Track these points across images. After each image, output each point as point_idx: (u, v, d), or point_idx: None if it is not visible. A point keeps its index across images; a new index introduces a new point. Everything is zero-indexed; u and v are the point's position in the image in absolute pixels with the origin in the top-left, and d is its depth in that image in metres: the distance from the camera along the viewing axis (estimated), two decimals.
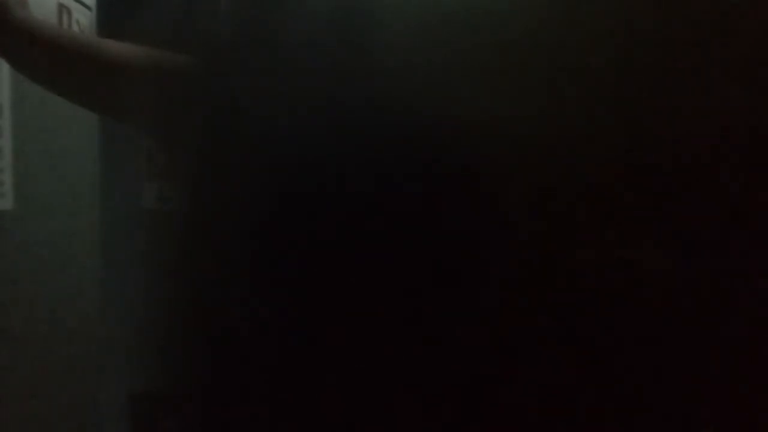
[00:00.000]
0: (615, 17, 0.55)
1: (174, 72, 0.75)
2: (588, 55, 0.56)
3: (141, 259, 0.78)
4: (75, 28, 1.32)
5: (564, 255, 0.56)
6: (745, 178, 0.54)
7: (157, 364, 0.73)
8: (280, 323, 0.62)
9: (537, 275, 0.57)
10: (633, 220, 0.56)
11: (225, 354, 0.65)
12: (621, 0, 0.55)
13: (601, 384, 0.56)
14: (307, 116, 0.62)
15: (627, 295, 0.55)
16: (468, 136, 0.58)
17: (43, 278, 1.25)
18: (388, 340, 0.59)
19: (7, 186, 1.14)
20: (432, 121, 0.59)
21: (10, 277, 1.16)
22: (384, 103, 0.60)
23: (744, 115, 0.53)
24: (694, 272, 0.54)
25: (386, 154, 0.60)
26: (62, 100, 0.88)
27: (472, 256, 0.59)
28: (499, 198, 0.58)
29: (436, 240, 0.59)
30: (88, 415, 1.34)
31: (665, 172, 0.55)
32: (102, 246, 1.41)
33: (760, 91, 0.53)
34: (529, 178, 0.57)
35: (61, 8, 1.27)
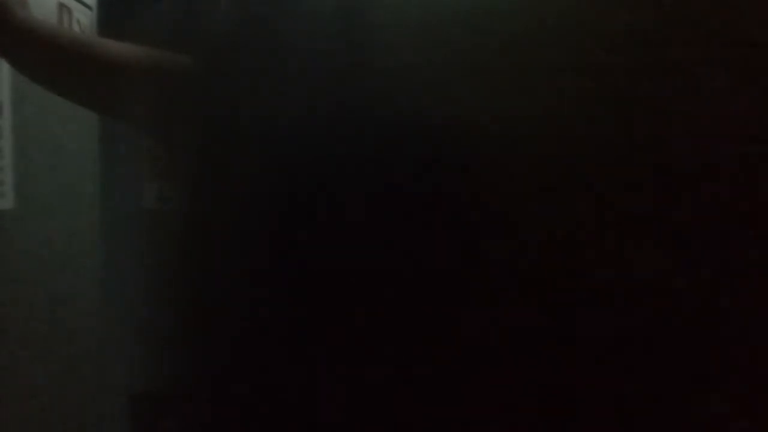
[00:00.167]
0: (615, 17, 0.55)
1: (174, 72, 0.75)
2: (588, 55, 0.56)
3: (141, 259, 0.78)
4: (75, 27, 1.32)
5: (564, 254, 0.56)
6: (745, 179, 0.54)
7: (157, 364, 0.73)
8: (280, 323, 0.62)
9: (537, 275, 0.57)
10: (633, 220, 0.56)
11: (225, 354, 0.65)
12: (621, 0, 0.55)
13: (601, 384, 0.56)
14: (306, 116, 0.62)
15: (627, 294, 0.55)
16: (468, 136, 0.58)
17: (43, 278, 1.25)
18: (388, 339, 0.59)
19: (7, 186, 1.14)
20: (432, 121, 0.59)
21: (10, 277, 1.16)
22: (384, 103, 0.60)
23: (744, 115, 0.53)
24: (694, 272, 0.54)
25: (386, 154, 0.60)
26: (62, 100, 0.87)
27: (472, 256, 0.59)
28: (499, 197, 0.58)
29: (436, 239, 0.59)
30: (88, 415, 1.34)
31: (665, 172, 0.55)
32: (102, 246, 1.41)
33: (760, 91, 0.53)
34: (529, 177, 0.57)
35: (62, 8, 1.27)
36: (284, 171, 0.63)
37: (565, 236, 0.56)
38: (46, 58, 0.80)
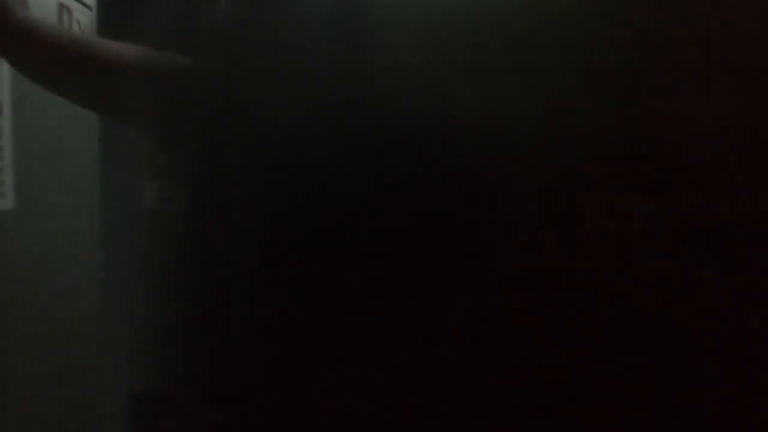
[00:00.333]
0: (615, 17, 0.55)
1: (174, 72, 0.75)
2: (588, 55, 0.55)
3: (141, 259, 0.78)
4: (75, 27, 1.32)
5: (564, 255, 0.56)
6: (746, 179, 0.54)
7: (157, 364, 0.73)
8: (280, 323, 0.62)
9: (537, 275, 0.57)
10: (633, 220, 0.55)
11: (225, 354, 0.65)
12: (621, 0, 0.55)
13: (601, 383, 0.56)
14: (306, 116, 0.62)
15: (627, 294, 0.55)
16: (468, 136, 0.58)
17: (43, 278, 1.25)
18: (388, 339, 0.59)
19: (7, 186, 1.14)
20: (432, 121, 0.59)
21: (10, 277, 1.16)
22: (384, 103, 0.60)
23: (744, 115, 0.53)
24: (694, 272, 0.54)
25: (386, 154, 0.59)
26: (62, 100, 0.87)
27: (472, 256, 0.59)
28: (499, 197, 0.58)
29: (436, 239, 0.59)
30: (88, 415, 1.34)
31: (665, 172, 0.55)
32: (102, 246, 1.41)
33: (761, 91, 0.53)
34: (529, 177, 0.57)
35: (61, 8, 1.27)
36: (284, 171, 0.63)
37: (565, 236, 0.56)
38: (46, 58, 0.80)
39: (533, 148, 0.57)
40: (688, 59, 0.53)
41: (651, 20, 0.55)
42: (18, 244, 1.17)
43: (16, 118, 1.15)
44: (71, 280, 1.32)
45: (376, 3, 0.61)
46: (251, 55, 0.66)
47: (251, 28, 0.67)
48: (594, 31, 0.55)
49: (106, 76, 0.79)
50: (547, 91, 0.56)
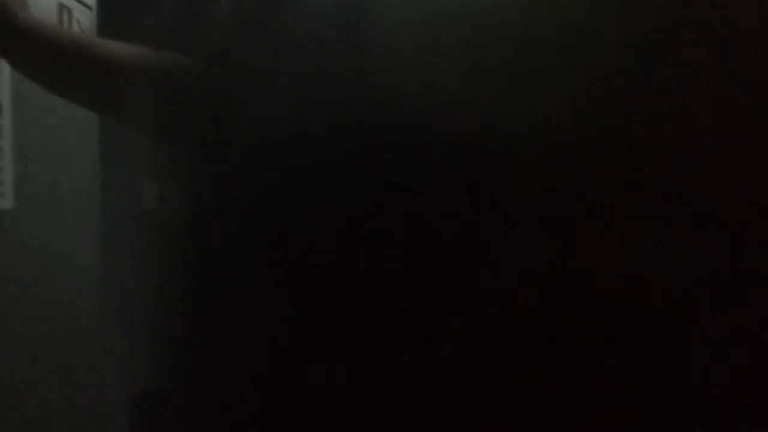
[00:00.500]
0: (615, 17, 0.55)
1: (174, 72, 0.75)
2: (589, 55, 0.56)
3: (141, 259, 0.78)
4: (75, 27, 1.32)
5: (564, 255, 0.56)
6: (745, 179, 0.54)
7: (157, 364, 0.73)
8: (280, 323, 0.62)
9: (537, 275, 0.57)
10: (633, 220, 0.56)
11: (225, 354, 0.65)
12: (621, 1, 0.55)
13: (601, 383, 0.56)
14: (307, 116, 0.62)
15: (627, 294, 0.55)
16: (468, 136, 0.58)
17: (43, 278, 1.25)
18: (389, 340, 0.59)
19: (7, 186, 1.14)
20: (433, 121, 0.59)
21: (10, 277, 1.16)
22: (384, 103, 0.60)
23: (744, 115, 0.53)
24: (694, 272, 0.54)
25: (387, 154, 0.60)
26: (62, 100, 0.87)
27: (472, 256, 0.59)
28: (499, 197, 0.58)
29: (437, 239, 0.59)
30: (88, 415, 1.34)
31: (665, 172, 0.55)
32: (102, 246, 1.41)
33: (761, 91, 0.53)
34: (529, 178, 0.57)
35: (61, 8, 1.27)
36: (284, 171, 0.63)
37: (565, 237, 0.56)
38: (46, 58, 0.80)
39: (534, 148, 0.57)
40: (688, 59, 0.54)
41: (651, 20, 0.55)
42: (18, 244, 1.17)
43: (16, 118, 1.15)
44: (71, 280, 1.32)
45: (376, 3, 0.61)
46: (251, 55, 0.66)
47: (251, 28, 0.67)
48: (595, 31, 0.55)
49: (106, 76, 0.79)
50: (549, 91, 0.56)
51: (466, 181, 0.59)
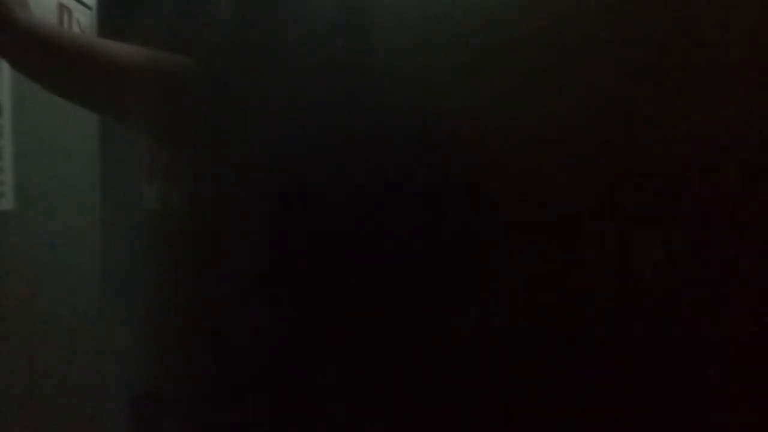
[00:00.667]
0: (615, 18, 0.55)
1: (174, 72, 0.75)
2: (589, 55, 0.55)
3: (141, 259, 0.78)
4: (75, 28, 1.32)
5: (565, 254, 0.56)
6: (746, 179, 0.54)
7: (157, 365, 0.73)
8: (280, 323, 0.62)
9: (537, 275, 0.57)
10: (633, 220, 0.55)
11: (225, 354, 0.65)
12: (621, 1, 0.55)
13: (601, 383, 0.56)
14: (307, 116, 0.62)
15: (627, 294, 0.55)
16: (468, 136, 0.58)
17: (43, 278, 1.25)
18: (389, 340, 0.59)
19: (7, 186, 1.14)
20: (432, 121, 0.59)
21: (10, 277, 1.16)
22: (384, 103, 0.60)
23: (744, 115, 0.53)
24: (695, 271, 0.54)
25: (387, 154, 0.59)
26: (62, 100, 0.87)
27: (472, 255, 0.59)
28: (498, 197, 0.58)
29: (436, 239, 0.59)
30: (88, 415, 1.34)
31: (665, 172, 0.55)
32: (102, 246, 1.41)
33: (760, 91, 0.53)
34: (529, 177, 0.57)
35: (62, 8, 1.27)
36: (284, 171, 0.63)
37: (565, 236, 0.56)
38: (46, 58, 0.80)
39: (533, 148, 0.57)
40: (689, 59, 0.54)
41: (650, 21, 0.55)
42: (18, 244, 1.17)
43: (16, 118, 1.15)
44: (71, 280, 1.32)
45: (376, 3, 0.61)
46: (251, 56, 0.66)
47: (251, 28, 0.67)
48: (595, 31, 0.55)
49: (106, 76, 0.79)
50: (547, 91, 0.56)
51: (466, 180, 0.59)
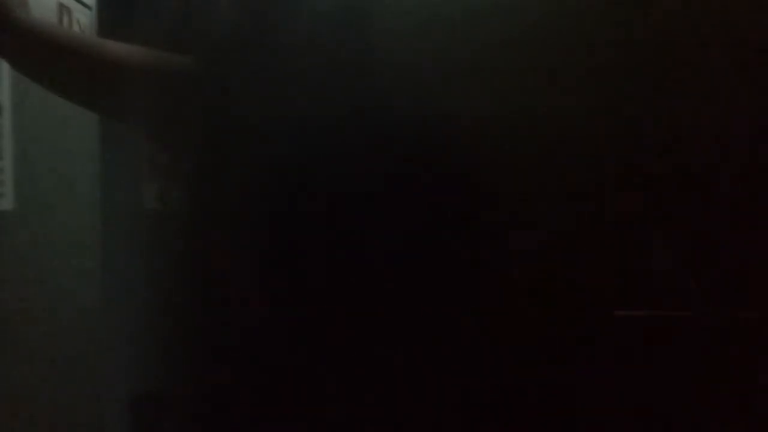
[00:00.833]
0: (615, 18, 0.55)
1: (174, 72, 0.75)
2: (589, 55, 0.56)
3: (141, 258, 0.78)
4: (75, 27, 1.32)
5: (565, 254, 0.56)
6: (745, 179, 0.54)
7: (157, 365, 0.73)
8: (280, 323, 0.62)
9: (537, 275, 0.57)
10: (632, 221, 0.56)
11: (224, 354, 0.65)
12: (620, 1, 0.55)
13: (602, 384, 0.56)
14: (306, 116, 0.62)
15: (627, 295, 0.55)
16: (468, 136, 0.58)
17: (43, 278, 1.25)
18: (389, 339, 0.59)
19: (7, 186, 1.14)
20: (432, 121, 0.59)
21: (11, 277, 1.16)
22: (384, 103, 0.60)
23: (744, 115, 0.53)
24: (694, 271, 0.54)
25: (386, 154, 0.59)
26: (62, 100, 0.87)
27: (472, 256, 0.59)
28: (498, 197, 0.58)
29: (436, 238, 0.59)
30: (88, 415, 1.34)
31: (665, 172, 0.55)
32: (102, 246, 1.41)
33: (760, 91, 0.53)
34: (529, 177, 0.57)
35: (61, 8, 1.27)
36: (284, 171, 0.63)
37: (566, 236, 0.56)
38: (45, 58, 0.80)
39: (533, 148, 0.57)
40: (689, 60, 0.54)
41: (650, 21, 0.55)
42: (18, 244, 1.17)
43: (16, 118, 1.14)
44: (71, 280, 1.32)
45: (376, 3, 0.61)
46: (251, 55, 0.66)
47: (252, 28, 0.67)
48: (595, 31, 0.55)
49: (106, 76, 0.79)
50: (547, 91, 0.56)
51: (465, 180, 0.59)
